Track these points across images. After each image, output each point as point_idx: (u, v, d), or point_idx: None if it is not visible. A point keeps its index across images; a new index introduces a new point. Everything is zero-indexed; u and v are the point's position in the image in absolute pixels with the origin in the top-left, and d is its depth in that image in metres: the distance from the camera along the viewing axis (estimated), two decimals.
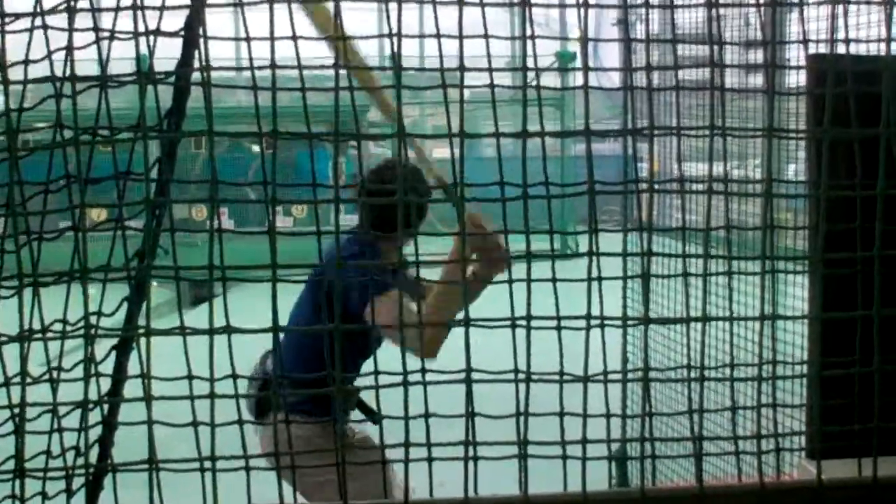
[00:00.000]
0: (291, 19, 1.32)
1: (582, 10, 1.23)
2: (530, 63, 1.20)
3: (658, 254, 1.22)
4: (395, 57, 1.15)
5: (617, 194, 1.28)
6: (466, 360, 1.22)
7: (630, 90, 1.19)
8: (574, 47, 14.75)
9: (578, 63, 14.81)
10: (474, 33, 1.26)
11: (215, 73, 1.28)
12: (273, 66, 1.14)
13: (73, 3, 1.19)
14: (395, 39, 1.17)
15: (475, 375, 1.24)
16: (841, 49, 1.29)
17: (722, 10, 1.28)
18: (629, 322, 1.26)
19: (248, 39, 1.32)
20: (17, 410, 1.41)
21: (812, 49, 1.41)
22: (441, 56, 1.28)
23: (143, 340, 1.34)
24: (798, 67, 1.37)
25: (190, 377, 1.36)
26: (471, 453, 1.26)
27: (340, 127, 1.18)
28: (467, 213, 2.48)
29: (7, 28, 1.34)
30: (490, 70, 1.24)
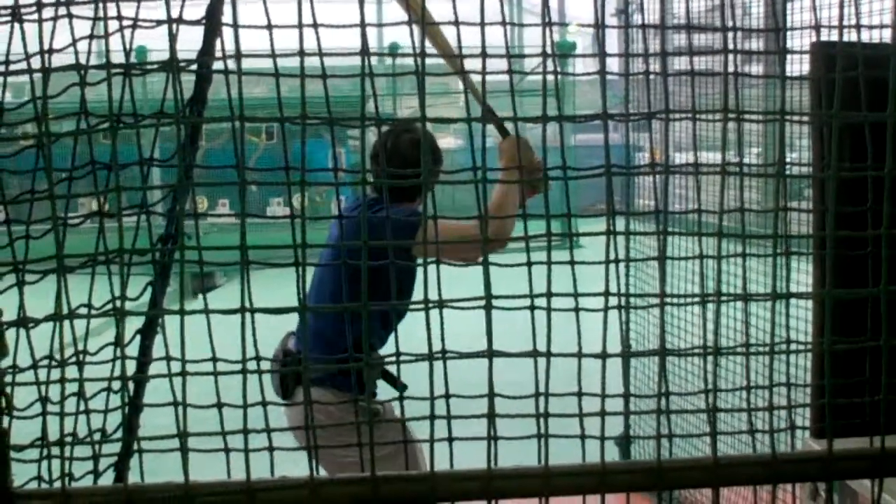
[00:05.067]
0: (313, 8, 1.35)
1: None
2: (539, 51, 1.24)
3: (673, 233, 1.26)
4: (420, 45, 1.18)
5: (625, 175, 1.31)
6: (488, 339, 1.26)
7: (646, 76, 1.22)
8: (572, 37, 14.76)
9: (578, 52, 14.84)
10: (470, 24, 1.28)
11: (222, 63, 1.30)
12: (301, 53, 1.17)
13: None
14: (416, 27, 1.20)
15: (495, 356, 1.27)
16: (844, 37, 1.33)
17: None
18: (647, 301, 1.29)
19: (269, 27, 1.35)
20: (44, 391, 1.45)
21: (814, 37, 1.44)
22: (460, 44, 1.31)
23: (170, 320, 1.37)
24: (807, 53, 1.41)
25: (214, 359, 1.39)
26: (492, 433, 1.30)
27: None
28: (509, 138, 2.54)
29: (32, 17, 1.37)
30: (508, 56, 1.27)
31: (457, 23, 1.30)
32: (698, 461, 1.25)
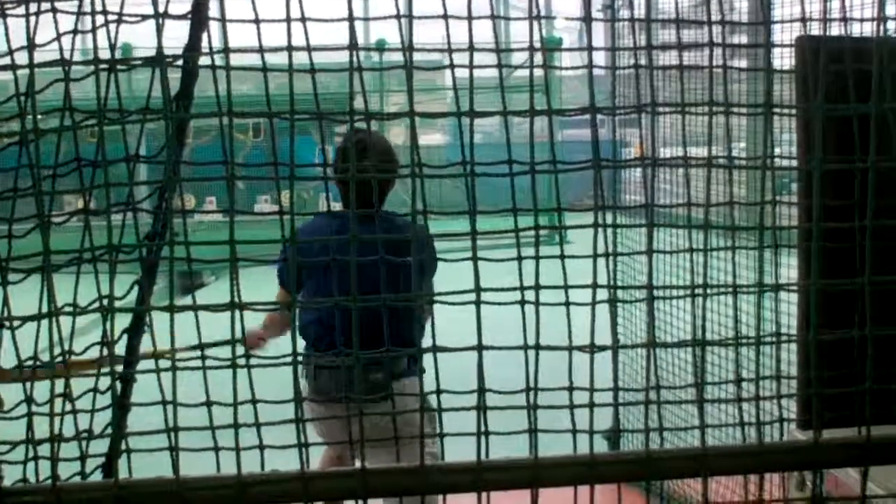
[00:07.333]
0: (301, 4, 1.34)
1: None
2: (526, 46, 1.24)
3: (660, 225, 1.26)
4: (408, 39, 1.18)
5: (613, 169, 1.31)
6: (478, 334, 1.26)
7: (635, 69, 1.23)
8: (559, 33, 14.80)
9: (564, 48, 14.87)
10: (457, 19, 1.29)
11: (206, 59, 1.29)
12: (290, 48, 1.16)
13: None
14: (405, 21, 1.20)
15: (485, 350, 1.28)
16: (833, 30, 1.34)
17: None
18: (635, 295, 1.30)
19: (257, 22, 1.34)
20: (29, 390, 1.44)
21: (798, 30, 1.45)
22: (449, 39, 1.31)
23: (157, 318, 1.37)
24: (792, 46, 1.41)
25: (203, 357, 1.39)
26: (482, 427, 1.30)
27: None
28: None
29: (15, 11, 1.36)
30: (497, 51, 1.27)
31: (445, 17, 1.30)
32: (687, 451, 1.25)
